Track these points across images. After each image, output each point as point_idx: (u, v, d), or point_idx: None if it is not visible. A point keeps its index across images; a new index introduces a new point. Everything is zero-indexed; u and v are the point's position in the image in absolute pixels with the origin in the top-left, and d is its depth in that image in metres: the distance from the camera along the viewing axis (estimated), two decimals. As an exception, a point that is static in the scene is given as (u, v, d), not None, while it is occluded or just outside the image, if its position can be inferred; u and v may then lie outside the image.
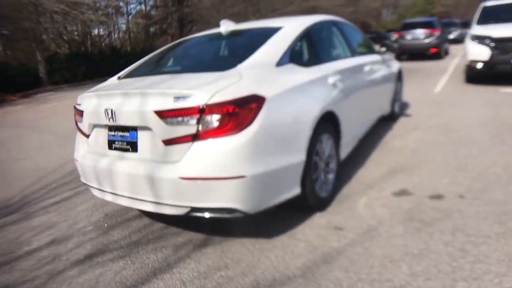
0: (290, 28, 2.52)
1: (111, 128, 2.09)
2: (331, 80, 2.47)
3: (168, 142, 1.81)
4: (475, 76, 6.40)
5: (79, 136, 2.35)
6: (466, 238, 1.89)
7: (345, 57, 3.07)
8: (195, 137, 1.76)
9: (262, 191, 1.84)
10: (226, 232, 2.19)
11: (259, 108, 1.80)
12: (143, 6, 24.11)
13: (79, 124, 2.31)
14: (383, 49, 4.92)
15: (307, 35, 2.58)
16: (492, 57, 5.92)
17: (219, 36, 2.87)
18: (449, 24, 19.12)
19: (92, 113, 2.13)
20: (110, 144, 2.10)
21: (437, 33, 11.58)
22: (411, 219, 2.13)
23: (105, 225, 2.44)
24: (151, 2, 24.42)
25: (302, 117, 2.06)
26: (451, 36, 17.97)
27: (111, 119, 2.00)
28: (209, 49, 2.93)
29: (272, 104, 1.87)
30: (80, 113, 2.24)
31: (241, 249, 2.00)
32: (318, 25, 2.83)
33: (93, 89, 2.37)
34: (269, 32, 2.43)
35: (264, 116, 1.81)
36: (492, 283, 1.56)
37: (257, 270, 1.80)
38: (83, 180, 2.35)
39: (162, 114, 1.79)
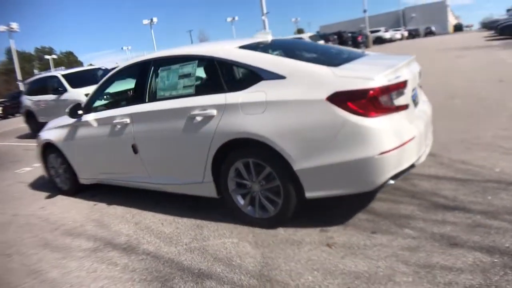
0: None
1: (411, 89, 2.42)
2: None
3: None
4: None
5: (387, 119, 2.10)
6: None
7: None
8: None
9: None
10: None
11: None
12: None
13: (394, 100, 2.16)
14: None
15: None
16: None
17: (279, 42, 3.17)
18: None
19: (411, 79, 2.37)
20: (415, 102, 2.47)
21: None
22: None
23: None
24: None
25: None
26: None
27: (417, 79, 2.58)
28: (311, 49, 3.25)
29: None
30: (402, 85, 2.21)
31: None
32: None
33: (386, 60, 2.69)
34: None
35: None
36: None
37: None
38: (420, 160, 2.34)
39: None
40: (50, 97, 8.26)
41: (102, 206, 3.59)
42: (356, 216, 2.48)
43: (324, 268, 1.97)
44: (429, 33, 46.71)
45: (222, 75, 2.57)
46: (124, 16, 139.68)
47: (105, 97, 3.66)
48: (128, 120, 3.06)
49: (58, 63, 40.17)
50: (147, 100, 2.98)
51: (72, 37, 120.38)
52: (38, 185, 4.84)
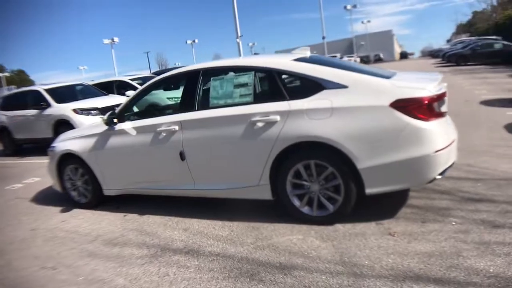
0: None
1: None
2: None
3: None
4: None
5: (438, 123, 2.52)
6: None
7: None
8: None
9: None
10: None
11: None
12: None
13: (440, 108, 2.59)
14: None
15: None
16: None
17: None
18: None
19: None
20: None
21: None
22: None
23: None
24: None
25: None
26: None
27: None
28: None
29: None
30: (444, 95, 2.66)
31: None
32: None
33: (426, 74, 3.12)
34: None
35: None
36: None
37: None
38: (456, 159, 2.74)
39: None
40: (30, 112, 7.78)
41: (133, 216, 3.55)
42: (401, 210, 2.82)
43: (397, 252, 2.25)
44: (378, 59, 51.31)
45: (283, 85, 2.83)
46: (80, 36, 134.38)
47: (141, 106, 3.70)
48: (176, 128, 3.16)
49: (9, 81, 37.39)
50: (197, 108, 3.13)
51: (24, 55, 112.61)
52: (41, 199, 4.57)
